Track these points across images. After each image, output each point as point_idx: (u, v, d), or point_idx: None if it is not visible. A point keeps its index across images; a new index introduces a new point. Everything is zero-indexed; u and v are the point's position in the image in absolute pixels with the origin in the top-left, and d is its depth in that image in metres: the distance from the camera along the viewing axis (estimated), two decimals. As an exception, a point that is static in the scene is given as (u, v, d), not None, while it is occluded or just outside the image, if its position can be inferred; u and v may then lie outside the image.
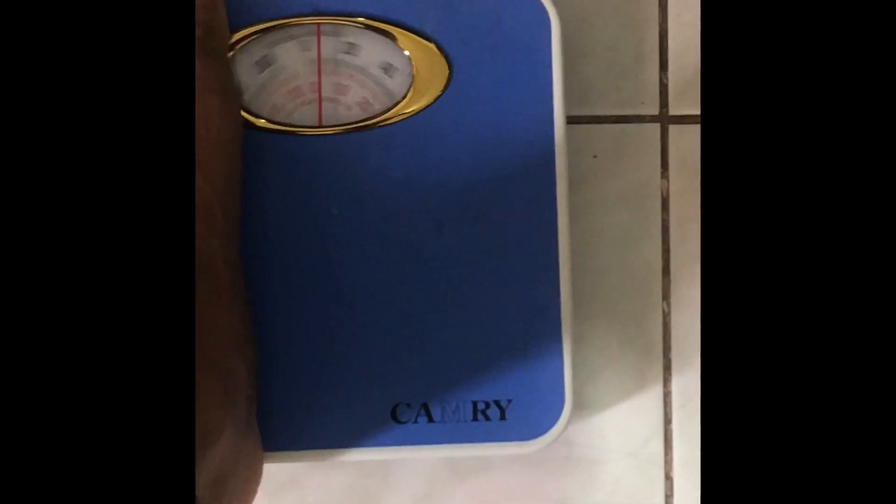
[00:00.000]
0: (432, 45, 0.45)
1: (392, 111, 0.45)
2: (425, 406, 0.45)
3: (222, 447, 0.39)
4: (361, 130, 0.45)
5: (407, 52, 0.45)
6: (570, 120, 0.49)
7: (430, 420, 0.45)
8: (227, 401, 0.40)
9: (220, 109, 0.43)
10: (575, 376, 0.45)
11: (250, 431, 0.43)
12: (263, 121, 0.45)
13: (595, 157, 0.49)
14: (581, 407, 0.50)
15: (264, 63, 0.45)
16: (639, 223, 0.49)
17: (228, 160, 0.43)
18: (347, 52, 0.45)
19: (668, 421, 0.50)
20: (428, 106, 0.45)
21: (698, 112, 0.49)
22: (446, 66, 0.45)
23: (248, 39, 0.45)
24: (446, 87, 0.45)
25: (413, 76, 0.45)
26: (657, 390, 0.50)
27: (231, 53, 0.45)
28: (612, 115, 0.49)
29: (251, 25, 0.45)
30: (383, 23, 0.45)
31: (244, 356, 0.42)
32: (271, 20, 0.45)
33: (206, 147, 0.42)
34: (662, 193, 0.49)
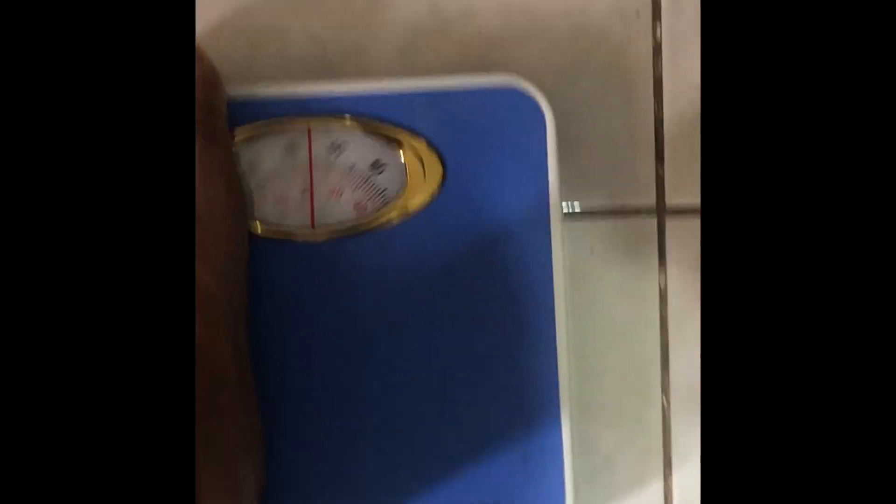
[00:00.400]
0: (424, 143, 0.44)
1: (386, 212, 0.44)
2: (423, 513, 0.44)
3: None
4: (356, 234, 0.44)
5: (399, 151, 0.44)
6: (566, 214, 0.48)
7: (428, 528, 0.44)
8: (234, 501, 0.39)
9: (224, 194, 0.42)
10: (575, 475, 0.44)
11: None
12: (257, 223, 0.44)
13: (592, 251, 0.49)
14: (581, 506, 0.49)
15: (250, 171, 0.44)
16: (637, 317, 0.49)
17: (234, 248, 0.42)
18: (336, 152, 0.45)
19: (670, 519, 0.49)
20: (423, 206, 0.44)
21: (695, 203, 0.48)
22: (440, 164, 0.45)
23: (236, 143, 0.44)
24: (441, 185, 0.45)
25: (406, 175, 0.45)
26: (658, 487, 0.49)
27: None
28: (609, 209, 0.49)
29: (241, 126, 0.44)
30: (374, 121, 0.44)
31: (251, 453, 0.41)
32: (260, 121, 0.44)
33: (209, 234, 0.41)
34: (660, 287, 0.49)
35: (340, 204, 0.45)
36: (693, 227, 0.48)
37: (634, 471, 0.49)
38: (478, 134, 0.45)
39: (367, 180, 0.45)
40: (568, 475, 0.44)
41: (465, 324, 0.45)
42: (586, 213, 0.49)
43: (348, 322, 0.44)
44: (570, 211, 0.48)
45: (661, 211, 0.49)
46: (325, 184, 0.45)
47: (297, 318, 0.44)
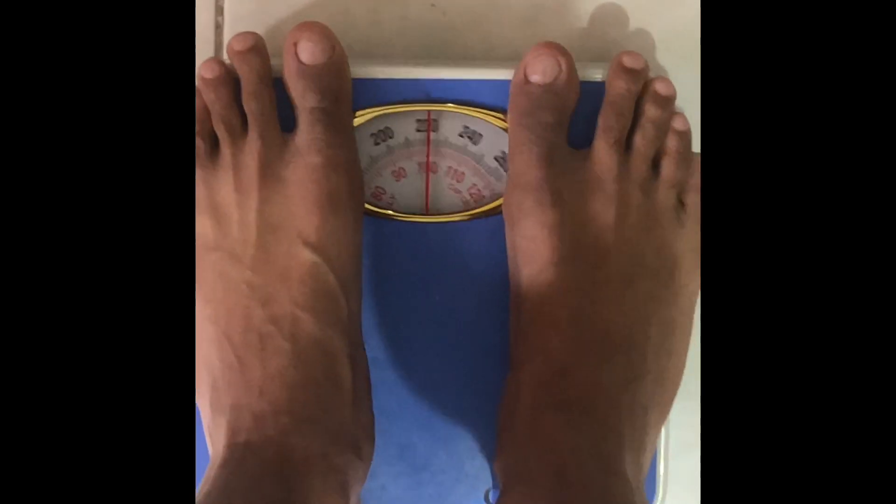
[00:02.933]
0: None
1: (500, 201, 0.45)
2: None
3: None
4: (470, 219, 0.45)
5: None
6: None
7: None
8: (343, 497, 0.41)
9: (347, 188, 0.42)
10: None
11: None
12: (369, 206, 0.45)
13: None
14: None
15: (382, 136, 0.45)
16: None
17: (353, 243, 0.42)
18: (467, 138, 0.45)
19: None
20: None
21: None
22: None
23: (363, 117, 0.44)
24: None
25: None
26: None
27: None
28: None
29: (366, 108, 0.44)
30: (494, 112, 0.44)
31: (361, 452, 0.42)
32: (382, 105, 0.44)
33: (331, 231, 0.41)
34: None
35: (459, 189, 0.45)
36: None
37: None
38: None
39: (488, 170, 0.45)
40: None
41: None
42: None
43: (454, 306, 0.46)
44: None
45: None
46: (447, 168, 0.45)
47: (401, 298, 0.46)
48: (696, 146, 0.45)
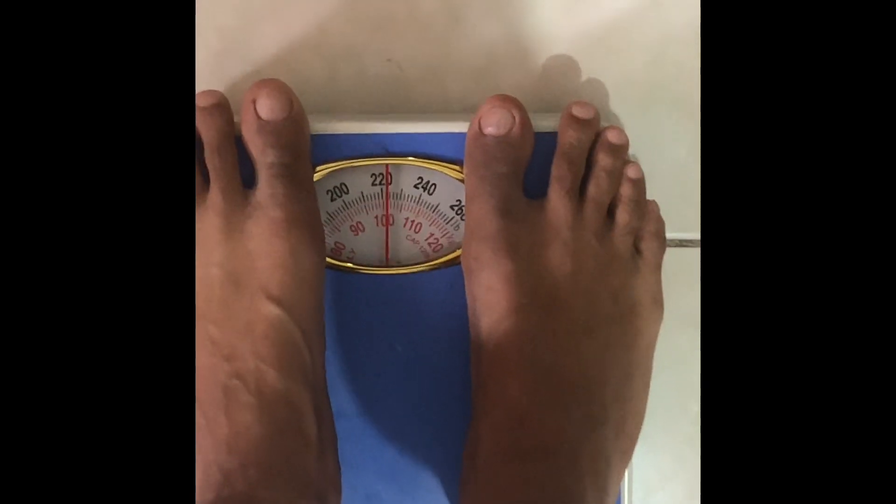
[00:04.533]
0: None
1: (460, 251, 0.45)
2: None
3: None
4: (430, 270, 0.45)
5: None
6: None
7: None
8: None
9: (308, 242, 0.42)
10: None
11: None
12: (330, 260, 0.45)
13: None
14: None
15: (338, 191, 0.45)
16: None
17: (315, 296, 0.43)
18: (421, 188, 0.45)
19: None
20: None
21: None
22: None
23: (321, 173, 0.45)
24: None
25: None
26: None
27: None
28: (678, 240, 0.49)
29: (324, 164, 0.45)
30: (452, 164, 0.45)
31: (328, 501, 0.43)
32: (341, 160, 0.45)
33: (294, 284, 0.41)
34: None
35: (417, 239, 0.46)
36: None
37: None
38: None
39: (445, 219, 0.46)
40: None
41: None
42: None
43: (416, 356, 0.46)
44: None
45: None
46: (404, 220, 0.46)
47: (362, 349, 0.46)
48: (650, 194, 0.46)
